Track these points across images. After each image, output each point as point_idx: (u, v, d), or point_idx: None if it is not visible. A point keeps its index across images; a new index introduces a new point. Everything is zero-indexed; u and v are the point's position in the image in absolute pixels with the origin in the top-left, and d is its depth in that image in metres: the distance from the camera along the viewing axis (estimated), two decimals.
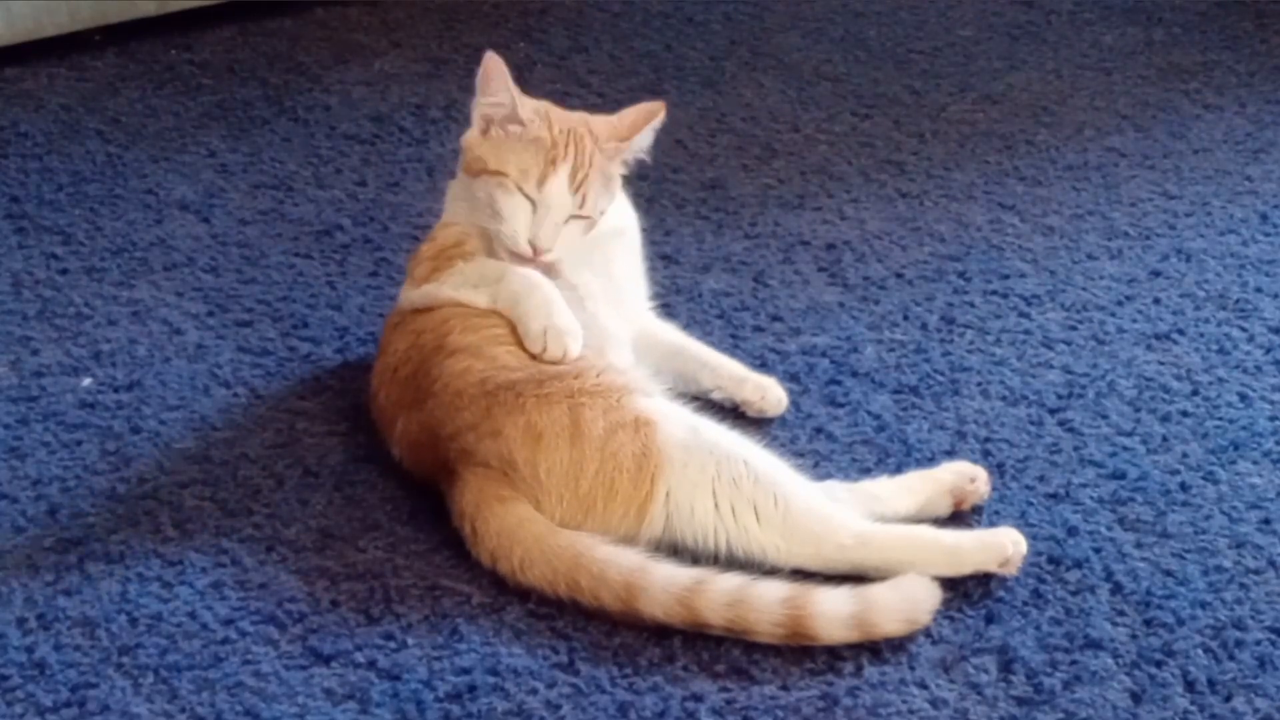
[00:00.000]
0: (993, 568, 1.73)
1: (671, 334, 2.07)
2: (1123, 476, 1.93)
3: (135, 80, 2.94)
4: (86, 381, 2.09)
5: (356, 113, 2.84)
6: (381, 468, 1.90)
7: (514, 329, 1.86)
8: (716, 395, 2.02)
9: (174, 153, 2.69)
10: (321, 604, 1.71)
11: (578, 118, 1.99)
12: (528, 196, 1.91)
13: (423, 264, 1.96)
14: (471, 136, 1.97)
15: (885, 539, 1.73)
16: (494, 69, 1.92)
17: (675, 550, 1.73)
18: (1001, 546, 1.73)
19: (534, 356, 1.83)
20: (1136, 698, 1.61)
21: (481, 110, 1.94)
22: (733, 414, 1.99)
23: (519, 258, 1.92)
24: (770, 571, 1.69)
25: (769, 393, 2.02)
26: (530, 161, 1.91)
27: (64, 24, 2.98)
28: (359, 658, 1.64)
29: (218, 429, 2.00)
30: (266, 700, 1.59)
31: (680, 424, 1.76)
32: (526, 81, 2.96)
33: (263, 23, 3.18)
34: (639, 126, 1.98)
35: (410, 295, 1.94)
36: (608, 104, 2.86)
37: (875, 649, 1.65)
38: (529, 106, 1.95)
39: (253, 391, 2.07)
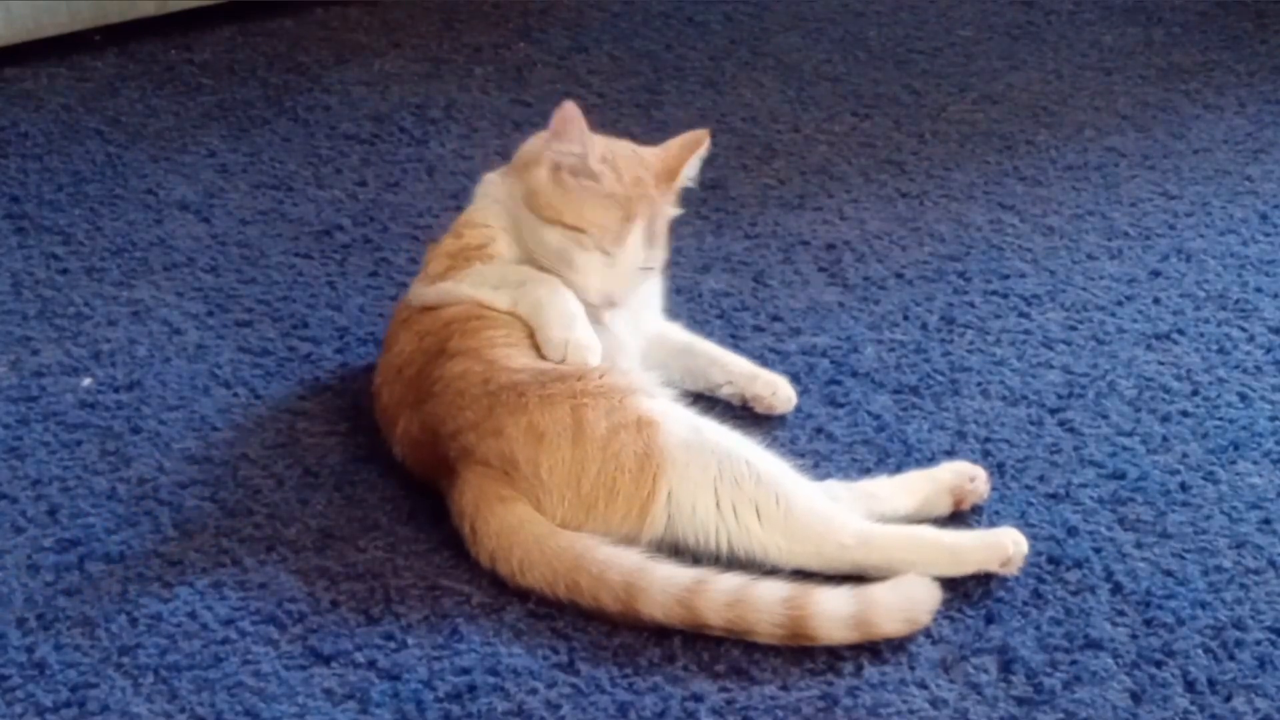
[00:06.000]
0: (994, 567, 1.73)
1: (681, 333, 2.08)
2: (1123, 476, 1.93)
3: (135, 80, 2.94)
4: (86, 381, 2.09)
5: (356, 113, 2.84)
6: (381, 468, 1.90)
7: (522, 332, 1.86)
8: (726, 390, 2.03)
9: (174, 153, 2.69)
10: (321, 604, 1.71)
11: (634, 158, 1.96)
12: (604, 252, 1.91)
13: (439, 260, 1.96)
14: (541, 179, 1.91)
15: (886, 539, 1.73)
16: (571, 117, 1.89)
17: (676, 551, 1.73)
18: (1002, 546, 1.73)
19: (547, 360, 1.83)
20: (1136, 698, 1.61)
21: (552, 155, 1.91)
22: (734, 416, 1.99)
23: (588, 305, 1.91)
24: (770, 572, 1.69)
25: (779, 389, 2.02)
26: (609, 220, 1.90)
27: (64, 24, 2.98)
28: (359, 658, 1.64)
29: (218, 429, 2.00)
30: (266, 700, 1.59)
31: (682, 424, 1.76)
32: (526, 81, 2.98)
33: (263, 23, 3.18)
34: (684, 161, 1.97)
35: (424, 291, 1.94)
36: (608, 104, 2.87)
37: (875, 649, 1.65)
38: (597, 154, 1.91)
39: (253, 391, 2.07)
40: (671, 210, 1.99)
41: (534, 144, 1.99)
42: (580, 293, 1.90)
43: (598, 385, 1.78)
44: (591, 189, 1.90)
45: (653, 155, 1.98)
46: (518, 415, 1.75)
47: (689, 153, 1.98)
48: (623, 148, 1.97)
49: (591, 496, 1.73)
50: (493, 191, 2.00)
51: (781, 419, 2.02)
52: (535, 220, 1.92)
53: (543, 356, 1.84)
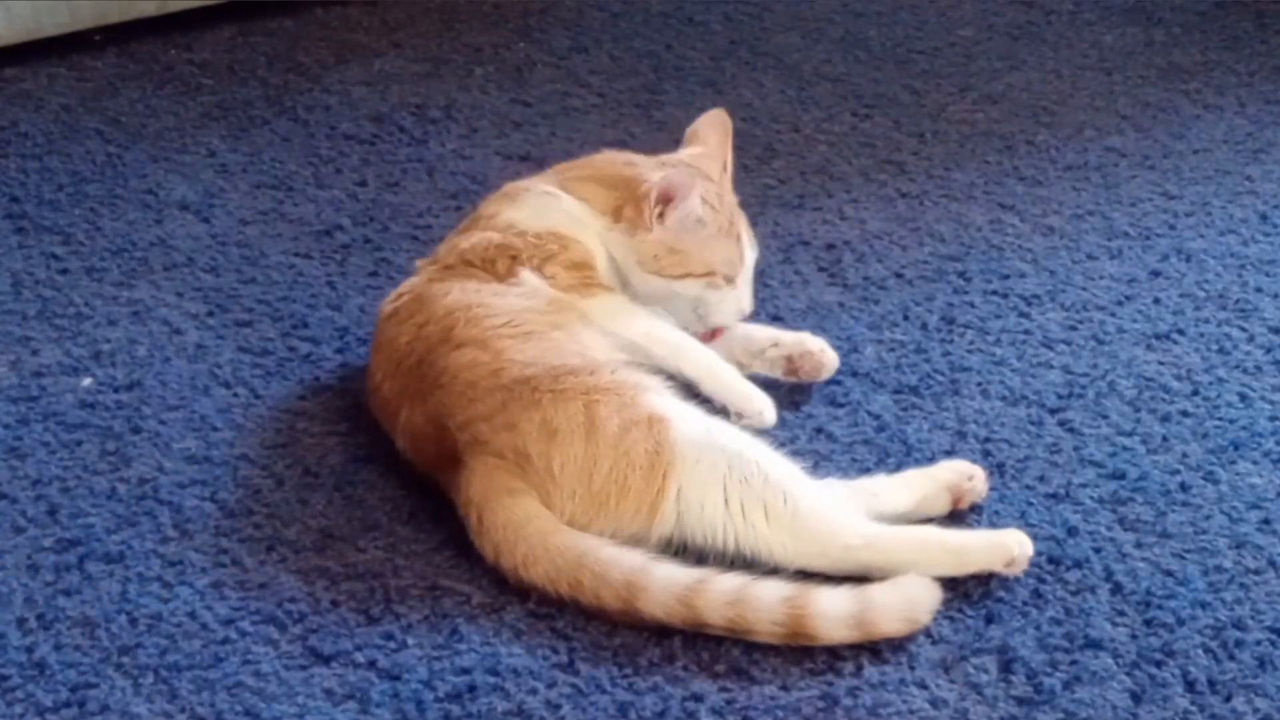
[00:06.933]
0: (998, 568, 1.74)
1: None
2: (1123, 476, 1.93)
3: (135, 80, 2.94)
4: (86, 381, 2.09)
5: (356, 113, 2.84)
6: (381, 468, 1.90)
7: (524, 322, 1.85)
8: (771, 354, 2.05)
9: (174, 153, 2.69)
10: (321, 604, 1.71)
11: (699, 172, 2.02)
12: (730, 280, 2.01)
13: (559, 268, 1.95)
14: (660, 244, 1.98)
15: (891, 540, 1.73)
16: (689, 186, 1.96)
17: (681, 550, 1.73)
18: (1007, 547, 1.74)
19: (734, 414, 1.91)
20: (1136, 698, 1.61)
21: (661, 211, 1.97)
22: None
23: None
24: (771, 571, 1.69)
25: (826, 348, 2.06)
26: (731, 252, 2.01)
27: (64, 24, 2.98)
28: (359, 658, 1.64)
29: (218, 429, 2.00)
30: (266, 700, 1.59)
31: (693, 423, 1.77)
32: (526, 81, 2.98)
33: (263, 23, 3.18)
34: (729, 148, 2.13)
35: (582, 301, 1.94)
36: (608, 104, 2.87)
37: (875, 649, 1.65)
38: (697, 196, 1.97)
39: (253, 391, 2.07)
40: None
41: (613, 194, 2.01)
42: (721, 321, 2.03)
43: (609, 381, 1.78)
44: (702, 232, 1.99)
45: (700, 158, 2.07)
46: (531, 410, 1.75)
47: (727, 137, 2.13)
48: (689, 163, 2.05)
49: (603, 493, 1.73)
50: (574, 210, 2.01)
51: (781, 419, 2.01)
52: (659, 280, 1.99)
53: (737, 410, 1.91)
